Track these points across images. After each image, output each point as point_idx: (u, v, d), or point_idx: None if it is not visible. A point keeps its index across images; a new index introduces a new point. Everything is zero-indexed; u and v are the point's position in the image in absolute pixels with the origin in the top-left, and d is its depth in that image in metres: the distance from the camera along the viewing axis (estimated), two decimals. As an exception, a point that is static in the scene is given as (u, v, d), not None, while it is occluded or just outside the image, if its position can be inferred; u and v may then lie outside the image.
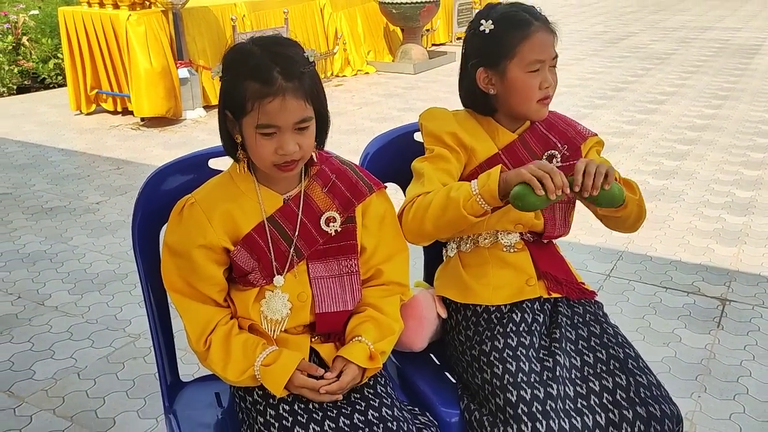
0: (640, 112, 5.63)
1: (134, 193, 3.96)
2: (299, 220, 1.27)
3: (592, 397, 1.28)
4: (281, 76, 1.14)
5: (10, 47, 6.55)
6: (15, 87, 6.33)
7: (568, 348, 1.36)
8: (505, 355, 1.31)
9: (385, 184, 1.38)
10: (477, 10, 9.07)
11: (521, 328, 1.36)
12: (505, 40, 1.39)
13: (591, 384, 1.30)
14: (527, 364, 1.29)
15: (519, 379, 1.26)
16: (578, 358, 1.35)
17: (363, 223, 1.33)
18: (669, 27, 11.15)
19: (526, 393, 1.24)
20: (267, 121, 1.15)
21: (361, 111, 5.71)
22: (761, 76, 7.08)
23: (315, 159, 1.31)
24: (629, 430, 1.23)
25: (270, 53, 1.16)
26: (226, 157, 1.38)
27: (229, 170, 1.31)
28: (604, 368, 1.32)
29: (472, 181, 1.27)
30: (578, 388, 1.29)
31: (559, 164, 1.44)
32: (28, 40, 6.74)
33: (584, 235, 3.19)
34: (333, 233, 1.29)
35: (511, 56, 1.38)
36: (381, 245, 1.35)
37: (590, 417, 1.24)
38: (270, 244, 1.26)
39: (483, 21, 1.42)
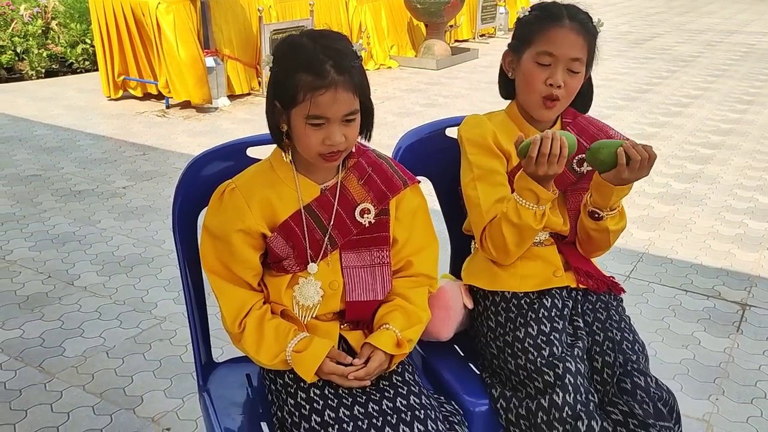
0: (663, 114, 5.61)
1: (159, 178, 4.05)
2: (335, 210, 1.31)
3: (595, 376, 1.35)
4: (333, 69, 1.17)
5: (40, 31, 6.65)
6: (43, 71, 6.43)
7: (584, 332, 1.43)
8: (539, 341, 1.35)
9: (419, 179, 1.42)
10: (502, 7, 9.05)
11: (553, 314, 1.41)
12: (530, 26, 1.44)
13: (595, 363, 1.37)
14: (560, 348, 1.34)
15: (554, 360, 1.31)
16: (589, 340, 1.41)
17: (396, 216, 1.36)
18: (695, 29, 11.05)
19: (560, 370, 1.28)
20: (318, 112, 1.19)
21: (384, 105, 5.74)
22: (788, 81, 7.01)
23: (353, 150, 1.35)
24: (608, 408, 1.29)
25: (322, 47, 1.19)
26: (264, 146, 1.42)
27: (270, 158, 1.35)
28: (597, 349, 1.38)
29: (521, 201, 1.35)
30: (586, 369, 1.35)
31: (590, 168, 1.47)
32: (57, 24, 6.83)
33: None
34: (367, 224, 1.33)
35: (528, 43, 1.43)
36: (412, 238, 1.38)
37: (594, 394, 1.31)
38: (305, 232, 1.29)
39: (525, 7, 1.47)
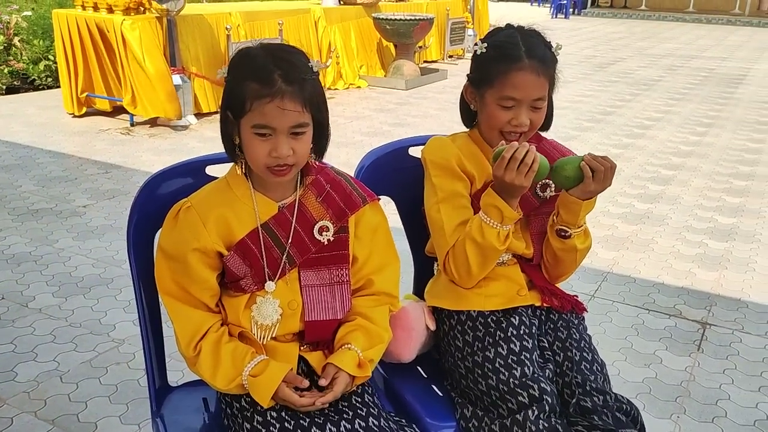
0: (627, 136, 5.72)
1: (122, 197, 3.97)
2: (293, 227, 1.29)
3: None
4: (281, 79, 1.17)
5: (1, 47, 6.53)
6: (4, 87, 6.30)
7: (549, 354, 1.43)
8: (509, 361, 1.34)
9: (379, 197, 1.41)
10: (470, 29, 9.19)
11: (522, 332, 1.40)
12: (489, 67, 1.42)
13: (556, 385, 1.36)
14: (531, 368, 1.33)
15: (527, 380, 1.30)
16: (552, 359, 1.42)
17: (356, 234, 1.35)
18: (656, 54, 11.36)
19: (535, 391, 1.27)
20: (263, 121, 1.18)
21: (352, 125, 5.74)
22: (745, 105, 7.22)
23: (310, 167, 1.33)
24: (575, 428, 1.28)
25: (274, 57, 1.19)
26: (223, 164, 1.40)
27: (226, 176, 1.32)
28: (557, 370, 1.39)
29: (486, 219, 1.36)
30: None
31: (553, 193, 1.48)
32: (19, 40, 6.72)
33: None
34: (325, 242, 1.31)
35: (489, 84, 1.42)
36: (372, 256, 1.37)
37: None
38: (263, 251, 1.27)
39: (481, 41, 1.46)
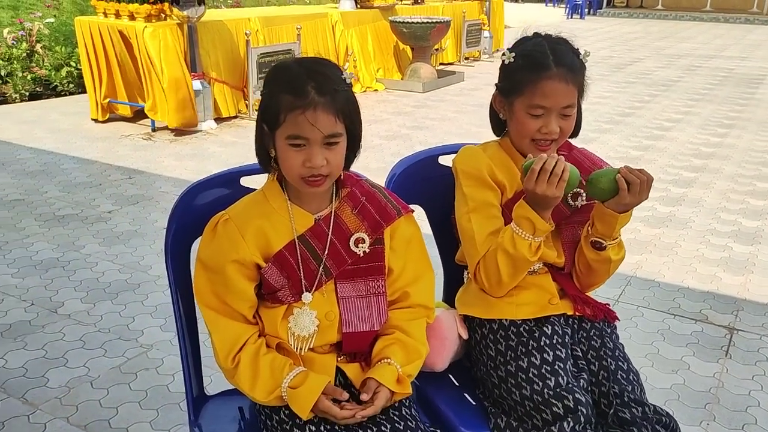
0: (647, 138, 5.68)
1: (146, 202, 4.01)
2: (329, 239, 1.30)
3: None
4: (314, 90, 1.19)
5: (24, 54, 6.62)
6: (27, 93, 6.39)
7: (583, 363, 1.42)
8: (543, 371, 1.34)
9: (412, 209, 1.42)
10: (486, 31, 9.16)
11: (555, 341, 1.40)
12: (517, 76, 1.43)
13: (592, 395, 1.36)
14: (565, 378, 1.32)
15: (561, 390, 1.29)
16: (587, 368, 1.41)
17: (391, 246, 1.36)
18: (674, 54, 11.27)
19: (570, 402, 1.27)
20: (297, 132, 1.19)
21: (371, 128, 5.76)
22: (766, 105, 7.14)
23: (345, 180, 1.34)
24: None
25: (307, 70, 1.21)
26: (258, 175, 1.42)
27: (263, 188, 1.34)
28: (593, 380, 1.39)
29: (518, 231, 1.36)
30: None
31: (584, 202, 1.49)
32: (42, 47, 6.81)
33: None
34: (361, 254, 1.32)
35: (518, 92, 1.43)
36: (407, 267, 1.38)
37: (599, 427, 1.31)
38: (300, 263, 1.28)
39: (508, 51, 1.46)
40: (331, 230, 1.31)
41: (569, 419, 1.26)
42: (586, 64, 1.45)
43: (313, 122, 1.19)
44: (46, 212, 3.75)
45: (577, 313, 1.49)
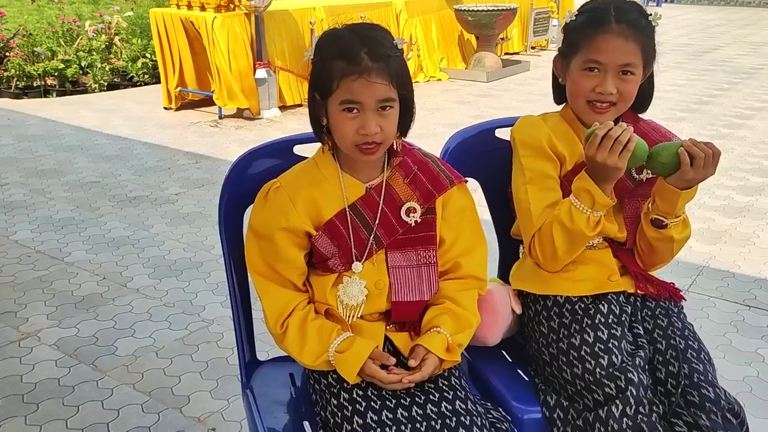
0: (725, 126, 5.41)
1: (210, 186, 4.11)
2: (380, 209, 1.29)
3: (659, 387, 1.28)
4: (368, 56, 1.17)
5: (103, 46, 6.92)
6: (106, 84, 6.67)
7: (645, 340, 1.36)
8: (596, 349, 1.29)
9: (466, 179, 1.39)
10: (555, 19, 8.95)
11: (610, 320, 1.34)
12: (576, 34, 1.39)
13: (659, 373, 1.30)
14: (619, 357, 1.27)
15: (614, 370, 1.24)
16: (650, 349, 1.34)
17: (443, 216, 1.34)
18: (757, 42, 10.67)
19: (622, 382, 1.22)
20: (351, 97, 1.18)
21: (433, 117, 5.72)
22: None
23: (398, 150, 1.33)
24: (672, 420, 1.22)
25: (359, 36, 1.20)
26: (311, 144, 1.42)
27: (314, 157, 1.34)
28: (660, 359, 1.32)
29: (576, 203, 1.32)
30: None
31: (650, 176, 1.42)
32: (119, 40, 7.10)
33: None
34: (413, 224, 1.30)
35: (576, 50, 1.38)
36: (460, 238, 1.35)
37: (658, 406, 1.24)
38: (350, 231, 1.28)
39: (572, 11, 1.42)
40: (382, 199, 1.30)
41: (619, 401, 1.21)
42: (657, 25, 1.38)
43: (366, 87, 1.17)
44: (119, 194, 3.91)
45: (639, 291, 1.42)
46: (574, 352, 1.31)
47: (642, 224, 1.41)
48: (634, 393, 1.21)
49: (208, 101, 5.83)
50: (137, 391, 2.13)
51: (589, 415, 1.24)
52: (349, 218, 1.28)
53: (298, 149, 1.47)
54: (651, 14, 1.38)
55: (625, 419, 1.19)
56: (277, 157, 1.45)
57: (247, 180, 1.42)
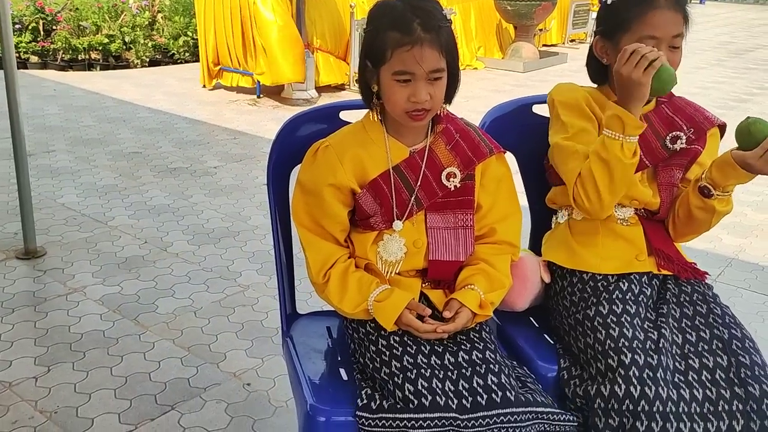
0: (763, 124, 5.34)
1: (248, 161, 4.21)
2: (422, 172, 1.36)
3: (691, 373, 1.29)
4: (420, 27, 1.23)
5: (146, 23, 7.08)
6: (148, 60, 6.83)
7: (672, 324, 1.37)
8: (608, 320, 1.33)
9: (505, 150, 1.44)
10: (594, 12, 8.84)
11: (628, 297, 1.38)
12: (622, 13, 1.41)
13: (691, 361, 1.31)
14: (631, 331, 1.31)
15: (621, 344, 1.28)
16: (681, 336, 1.36)
17: (481, 183, 1.40)
18: (803, 41, 10.44)
19: (626, 358, 1.26)
20: (403, 67, 1.24)
21: (468, 104, 5.75)
22: None
23: (442, 117, 1.39)
24: (726, 407, 1.23)
25: (411, 6, 1.25)
26: (356, 110, 1.49)
27: (362, 120, 1.41)
28: (705, 347, 1.33)
29: (608, 132, 1.33)
30: (677, 364, 1.30)
31: (684, 146, 1.45)
32: (162, 17, 7.25)
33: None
34: (452, 188, 1.36)
35: (625, 30, 1.40)
36: (496, 205, 1.41)
37: (687, 391, 1.25)
38: (393, 192, 1.35)
39: None
40: (424, 163, 1.36)
41: (619, 375, 1.23)
42: None
43: (419, 58, 1.23)
44: (160, 164, 4.04)
45: (661, 271, 1.46)
46: (588, 323, 1.36)
47: (688, 192, 1.43)
48: (637, 375, 1.22)
49: (246, 80, 5.93)
50: (177, 346, 2.24)
51: (591, 387, 1.27)
52: (392, 179, 1.35)
53: (344, 115, 1.54)
54: None
55: (627, 401, 1.21)
56: (324, 122, 1.52)
57: (294, 141, 1.49)
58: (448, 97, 1.36)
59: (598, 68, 1.52)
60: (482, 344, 1.28)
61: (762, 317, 2.53)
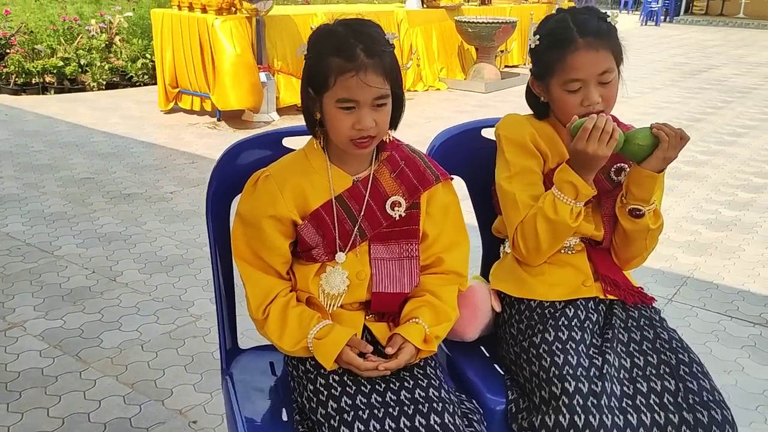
0: (716, 143, 5.46)
1: (206, 185, 4.10)
2: (366, 201, 1.32)
3: (639, 397, 1.27)
4: (363, 52, 1.19)
5: (103, 45, 6.95)
6: (104, 83, 6.70)
7: (618, 349, 1.36)
8: (553, 348, 1.31)
9: (452, 176, 1.42)
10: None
11: (573, 323, 1.37)
12: (546, 57, 1.41)
13: (639, 385, 1.29)
14: (575, 358, 1.28)
15: (565, 372, 1.25)
16: (628, 360, 1.34)
17: (427, 211, 1.36)
18: (754, 62, 10.78)
19: (570, 386, 1.23)
20: (348, 95, 1.20)
21: (430, 125, 5.76)
22: None
23: (387, 144, 1.35)
24: None
25: (353, 31, 1.22)
26: (300, 136, 1.45)
27: (304, 148, 1.37)
28: (653, 371, 1.31)
29: (560, 196, 1.35)
30: (625, 389, 1.28)
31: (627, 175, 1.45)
32: (120, 39, 7.14)
33: (648, 258, 3.11)
34: (397, 217, 1.33)
35: (551, 72, 1.40)
36: (443, 234, 1.38)
37: (634, 416, 1.23)
38: (335, 222, 1.30)
39: (533, 36, 1.46)
40: (368, 192, 1.32)
41: (563, 408, 1.20)
42: (616, 23, 1.42)
43: (363, 85, 1.19)
44: (113, 190, 3.93)
45: (607, 296, 1.45)
46: (533, 350, 1.33)
47: (619, 217, 1.44)
48: (581, 402, 1.20)
49: (206, 104, 5.85)
50: (120, 383, 2.14)
51: (536, 418, 1.24)
52: (335, 209, 1.31)
53: (287, 141, 1.50)
54: (608, 15, 1.42)
55: (572, 430, 1.18)
56: (266, 148, 1.48)
57: (235, 170, 1.44)
58: (393, 123, 1.32)
59: (537, 103, 1.51)
60: (426, 381, 1.24)
61: (717, 336, 2.54)
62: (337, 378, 1.22)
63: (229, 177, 1.43)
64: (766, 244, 3.41)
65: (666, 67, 9.68)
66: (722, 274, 3.05)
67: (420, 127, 5.60)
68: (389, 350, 1.23)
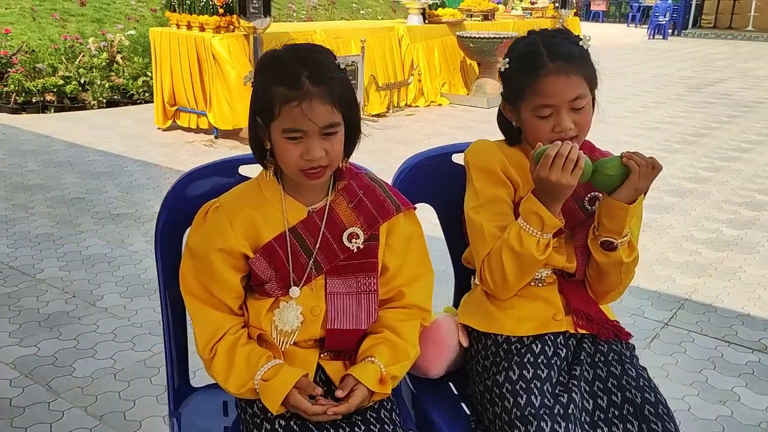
0: (720, 159, 5.35)
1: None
2: (321, 233, 1.25)
3: None
4: (309, 80, 1.13)
5: (104, 63, 6.97)
6: (105, 101, 6.70)
7: (583, 388, 1.28)
8: (517, 387, 1.23)
9: (415, 205, 1.35)
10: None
11: (539, 360, 1.29)
12: (515, 81, 1.35)
13: (599, 430, 1.22)
14: (539, 398, 1.21)
15: (528, 413, 1.18)
16: (591, 401, 1.27)
17: (387, 243, 1.29)
18: (761, 75, 10.67)
19: (532, 427, 1.16)
20: (293, 125, 1.14)
21: (430, 141, 5.70)
22: None
23: (344, 172, 1.29)
24: None
25: (299, 58, 1.16)
26: (257, 164, 1.38)
27: (257, 178, 1.30)
28: (616, 413, 1.24)
29: (526, 227, 1.28)
30: None
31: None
32: (121, 58, 7.16)
33: (644, 280, 3.02)
34: (355, 250, 1.26)
35: (521, 97, 1.34)
36: (405, 266, 1.31)
37: None
38: (289, 255, 1.24)
39: (502, 59, 1.39)
40: (324, 224, 1.26)
41: None
42: (588, 47, 1.35)
43: (309, 114, 1.13)
44: (102, 211, 3.88)
45: (579, 330, 1.36)
46: (497, 389, 1.26)
47: (592, 250, 1.36)
48: None
49: (203, 122, 5.83)
50: (89, 415, 2.07)
51: None
52: (288, 242, 1.24)
53: (244, 170, 1.43)
54: (581, 38, 1.35)
55: None
56: (222, 176, 1.42)
57: (189, 200, 1.38)
58: (348, 152, 1.26)
59: (509, 128, 1.44)
60: (378, 426, 1.16)
61: (713, 363, 2.43)
62: (283, 423, 1.15)
63: (181, 207, 1.37)
64: (767, 266, 3.30)
65: (672, 81, 9.59)
66: (721, 297, 2.95)
67: (419, 144, 5.54)
68: (339, 393, 1.16)
